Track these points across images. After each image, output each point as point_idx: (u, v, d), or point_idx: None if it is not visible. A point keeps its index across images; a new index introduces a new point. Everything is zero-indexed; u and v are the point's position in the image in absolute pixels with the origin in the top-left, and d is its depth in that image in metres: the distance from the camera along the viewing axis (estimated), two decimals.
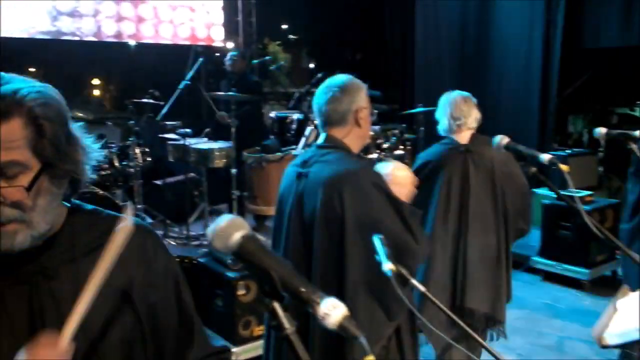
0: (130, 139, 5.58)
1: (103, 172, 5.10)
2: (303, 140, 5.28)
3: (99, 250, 1.12)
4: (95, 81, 13.73)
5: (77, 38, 7.32)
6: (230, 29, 9.06)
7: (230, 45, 8.81)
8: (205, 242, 5.31)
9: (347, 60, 12.87)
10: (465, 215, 3.09)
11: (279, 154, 4.99)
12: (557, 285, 5.44)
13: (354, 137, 2.33)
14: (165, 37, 8.08)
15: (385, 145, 6.03)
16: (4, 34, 6.76)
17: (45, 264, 1.16)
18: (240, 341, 3.80)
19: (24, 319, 1.14)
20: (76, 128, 1.19)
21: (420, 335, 2.64)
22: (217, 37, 8.67)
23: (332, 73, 2.53)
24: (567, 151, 6.95)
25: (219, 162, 5.32)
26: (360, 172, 2.22)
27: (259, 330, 3.83)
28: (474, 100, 3.23)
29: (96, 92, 13.98)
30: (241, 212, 5.38)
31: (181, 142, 5.49)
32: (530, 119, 7.10)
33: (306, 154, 2.38)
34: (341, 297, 1.41)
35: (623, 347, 1.62)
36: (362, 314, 2.09)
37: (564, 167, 2.30)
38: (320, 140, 2.35)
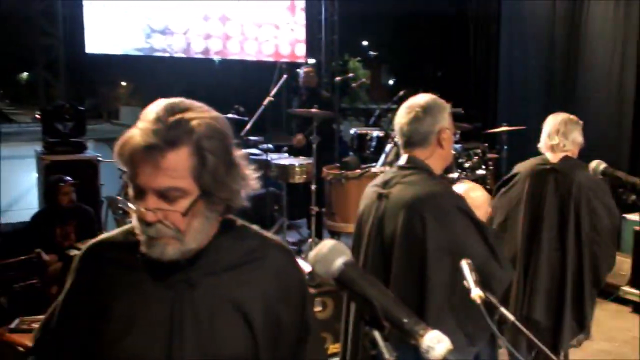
0: None
1: None
2: (382, 157, 5.27)
3: (239, 268, 1.27)
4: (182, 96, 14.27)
5: (167, 54, 7.66)
6: (314, 45, 9.20)
7: (311, 61, 8.92)
8: None
9: (428, 77, 12.69)
10: (537, 235, 3.18)
11: (358, 171, 5.00)
12: None
13: (437, 158, 2.29)
14: (250, 53, 8.29)
15: (466, 165, 5.90)
16: (102, 51, 7.18)
17: (191, 274, 1.25)
18: None
19: (164, 321, 1.23)
20: (239, 157, 1.27)
21: None
22: (300, 53, 8.78)
23: (412, 89, 2.50)
24: None
25: (299, 178, 5.41)
26: (443, 194, 2.18)
27: (334, 348, 3.81)
28: (580, 123, 3.29)
29: None
30: (318, 228, 5.42)
31: (263, 157, 5.61)
32: (622, 144, 6.70)
33: (387, 174, 2.36)
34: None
35: None
36: None
37: None
38: (402, 160, 2.32)
